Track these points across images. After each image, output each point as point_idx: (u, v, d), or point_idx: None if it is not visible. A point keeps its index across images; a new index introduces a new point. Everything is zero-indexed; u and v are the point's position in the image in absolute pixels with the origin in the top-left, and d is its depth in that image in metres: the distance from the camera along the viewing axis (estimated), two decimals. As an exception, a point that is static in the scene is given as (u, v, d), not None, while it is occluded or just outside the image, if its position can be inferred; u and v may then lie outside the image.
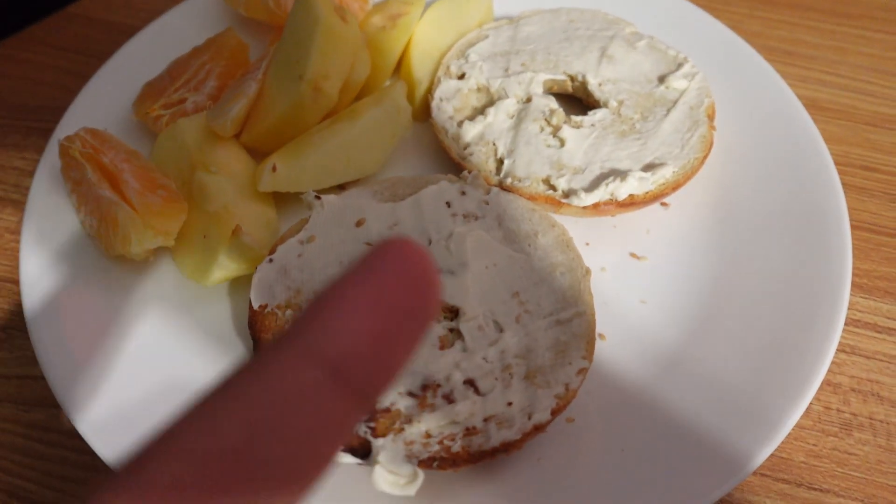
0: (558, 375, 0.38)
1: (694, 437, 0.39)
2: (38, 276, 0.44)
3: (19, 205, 0.52)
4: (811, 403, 0.43)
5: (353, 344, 0.17)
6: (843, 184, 0.53)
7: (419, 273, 0.18)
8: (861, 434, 0.43)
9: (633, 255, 0.48)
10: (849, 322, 0.47)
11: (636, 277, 0.47)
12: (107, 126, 0.51)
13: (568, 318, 0.40)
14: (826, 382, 0.45)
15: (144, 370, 0.42)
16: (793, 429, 0.39)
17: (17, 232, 0.51)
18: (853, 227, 0.51)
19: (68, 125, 0.51)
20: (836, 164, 0.54)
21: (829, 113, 0.58)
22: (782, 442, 0.39)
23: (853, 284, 0.48)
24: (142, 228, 0.43)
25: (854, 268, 0.49)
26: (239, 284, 0.46)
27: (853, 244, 0.49)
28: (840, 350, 0.46)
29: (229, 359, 0.43)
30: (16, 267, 0.49)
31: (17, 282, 0.48)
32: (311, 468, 0.17)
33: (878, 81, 0.60)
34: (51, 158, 0.49)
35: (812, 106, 0.58)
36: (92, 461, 0.41)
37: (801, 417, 0.42)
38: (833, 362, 0.45)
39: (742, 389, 0.40)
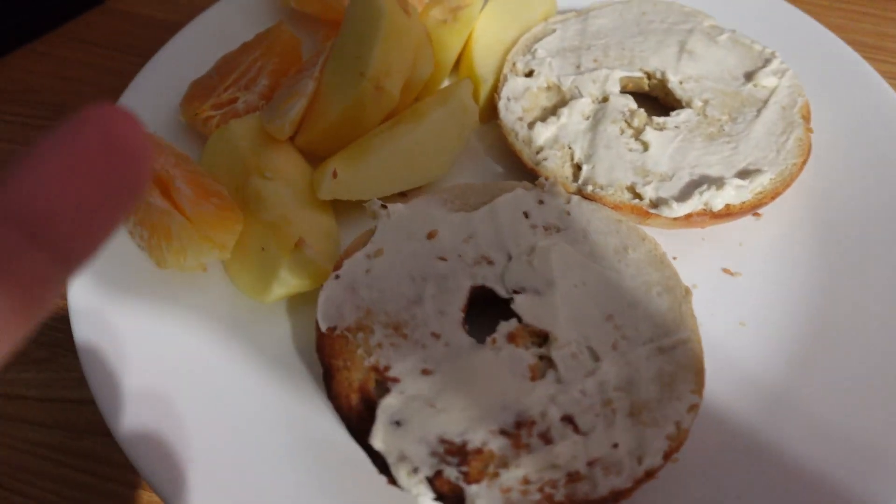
0: (667, 412, 0.34)
1: (814, 484, 0.35)
2: (85, 292, 0.41)
3: (60, 212, 0.49)
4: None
5: (50, 205, 0.17)
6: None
7: (125, 139, 0.18)
8: None
9: (726, 270, 0.44)
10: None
11: (732, 296, 0.43)
12: (153, 128, 0.48)
13: (671, 345, 0.36)
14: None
15: (198, 393, 0.38)
16: None
17: (58, 242, 0.47)
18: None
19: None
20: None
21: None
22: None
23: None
24: (197, 240, 0.39)
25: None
26: (297, 300, 0.42)
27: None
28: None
29: (290, 382, 0.39)
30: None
31: (61, 296, 0.45)
32: (8, 328, 0.16)
33: (977, 78, 0.55)
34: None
35: (905, 104, 0.54)
36: (148, 497, 0.38)
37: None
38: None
39: (865, 429, 0.36)
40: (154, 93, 0.50)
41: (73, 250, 0.17)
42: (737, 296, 0.43)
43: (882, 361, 0.38)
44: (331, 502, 0.35)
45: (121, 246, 0.43)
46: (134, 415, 0.37)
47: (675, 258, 0.45)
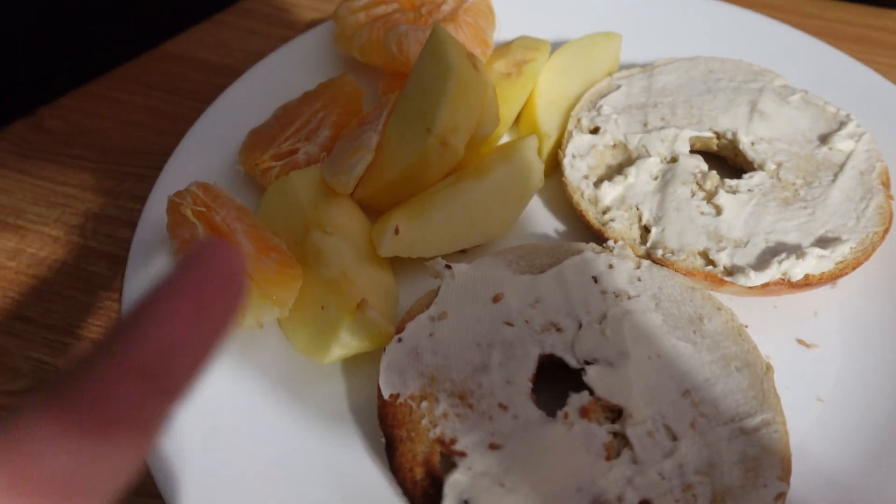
0: (751, 500, 0.32)
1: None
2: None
3: (115, 258, 0.48)
4: None
5: (172, 352, 0.18)
6: None
7: (235, 277, 0.19)
8: None
9: (800, 341, 0.42)
10: None
11: (808, 369, 0.41)
12: (211, 177, 0.47)
13: (754, 427, 0.34)
14: None
15: (252, 456, 0.37)
16: None
17: (110, 289, 0.47)
18: None
19: (171, 174, 0.47)
20: None
21: None
22: None
23: None
24: (259, 298, 0.38)
25: None
26: (353, 360, 0.41)
27: None
28: None
29: (345, 446, 0.38)
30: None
31: (110, 346, 0.44)
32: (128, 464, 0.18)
33: None
34: (154, 210, 0.45)
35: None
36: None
37: None
38: None
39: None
40: (212, 140, 0.50)
41: (183, 385, 0.19)
42: (814, 370, 0.41)
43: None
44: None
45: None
46: (186, 478, 0.36)
47: (746, 326, 0.42)
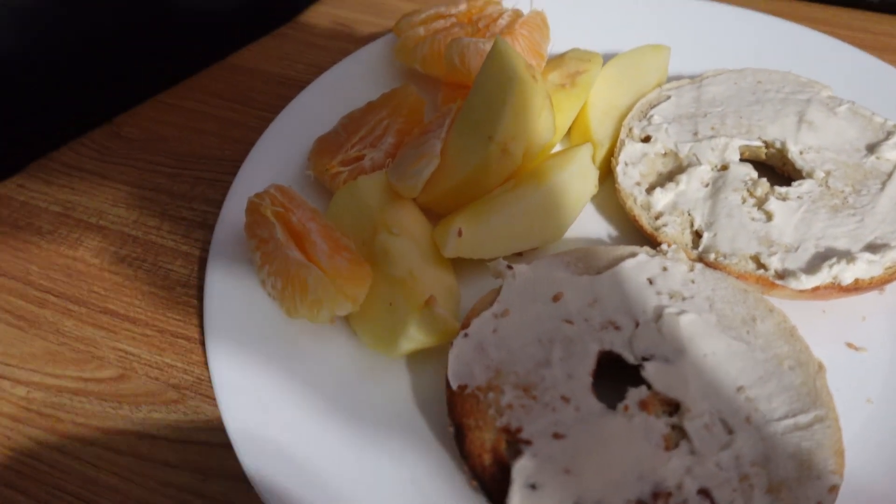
0: (807, 491, 0.34)
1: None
2: (224, 339, 0.43)
3: (189, 257, 0.51)
4: None
5: None
6: None
7: None
8: None
9: (849, 345, 0.44)
10: None
11: (857, 372, 0.42)
12: (282, 181, 0.50)
13: (808, 422, 0.36)
14: None
15: (326, 442, 0.39)
16: None
17: (188, 285, 0.50)
18: None
19: (245, 179, 0.50)
20: None
21: None
22: None
23: None
24: (333, 293, 0.41)
25: None
26: (416, 356, 0.43)
27: None
28: None
29: (412, 435, 0.40)
30: (188, 321, 0.48)
31: (188, 338, 0.47)
32: None
33: None
34: (231, 212, 0.48)
35: None
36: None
37: None
38: None
39: None
40: (283, 147, 0.53)
41: None
42: (863, 372, 0.42)
43: None
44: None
45: (248, 294, 0.45)
46: (265, 460, 0.38)
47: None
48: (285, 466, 0.38)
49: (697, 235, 0.46)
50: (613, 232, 0.50)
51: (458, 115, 0.48)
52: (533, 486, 0.34)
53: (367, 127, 0.51)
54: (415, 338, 0.41)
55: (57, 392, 0.45)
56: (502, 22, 0.54)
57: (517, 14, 0.55)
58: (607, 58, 0.57)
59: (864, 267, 0.42)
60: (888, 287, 0.46)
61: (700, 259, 0.45)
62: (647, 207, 0.48)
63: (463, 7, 0.57)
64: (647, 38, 0.58)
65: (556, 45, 0.58)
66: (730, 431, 0.36)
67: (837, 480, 0.34)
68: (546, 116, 0.49)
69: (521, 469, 0.34)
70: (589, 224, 0.50)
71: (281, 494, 0.37)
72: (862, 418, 0.40)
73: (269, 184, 0.46)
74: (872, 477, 0.38)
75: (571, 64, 0.54)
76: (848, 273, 0.42)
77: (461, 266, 0.47)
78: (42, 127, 0.60)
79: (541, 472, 0.34)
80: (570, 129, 0.55)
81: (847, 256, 0.42)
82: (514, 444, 0.36)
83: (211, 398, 0.43)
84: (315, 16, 0.71)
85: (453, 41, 0.52)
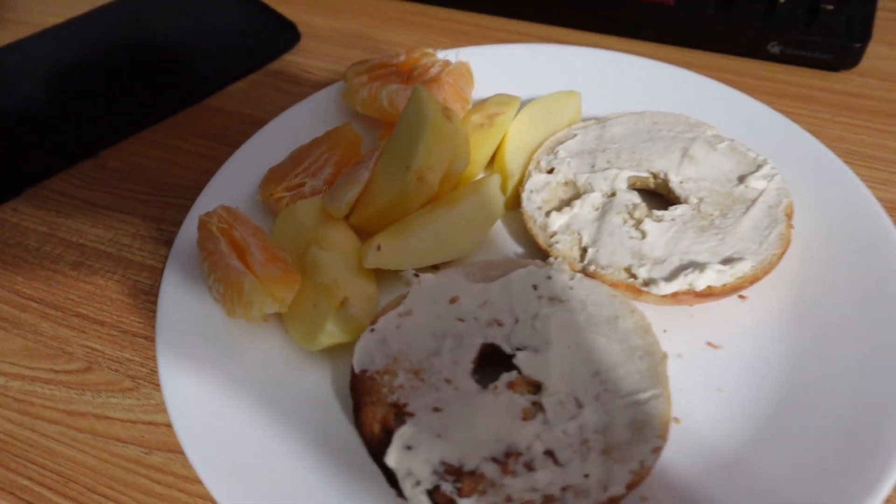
0: (634, 452, 0.40)
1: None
2: (171, 335, 0.50)
3: (154, 270, 0.59)
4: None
5: None
6: (928, 286, 0.53)
7: None
8: (947, 539, 0.42)
9: (710, 343, 0.50)
10: (933, 424, 0.47)
11: (713, 365, 0.49)
12: (235, 205, 0.58)
13: (646, 399, 0.43)
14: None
15: (258, 420, 0.47)
16: None
17: (150, 293, 0.58)
18: (938, 330, 0.51)
19: (203, 203, 0.59)
20: (920, 266, 0.55)
21: (912, 216, 0.59)
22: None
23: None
24: (263, 295, 0.48)
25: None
26: (338, 351, 0.50)
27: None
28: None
29: (329, 411, 0.47)
30: (147, 324, 0.55)
31: (146, 337, 0.55)
32: None
33: (964, 187, 0.61)
34: (188, 230, 0.56)
35: (894, 209, 0.60)
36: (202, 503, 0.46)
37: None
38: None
39: (812, 485, 0.41)
40: (239, 176, 0.61)
41: None
42: (718, 366, 0.49)
43: (831, 432, 0.44)
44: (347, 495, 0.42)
45: (199, 299, 0.53)
46: (201, 436, 0.45)
47: (665, 331, 0.51)
48: (217, 442, 0.45)
49: (584, 251, 0.53)
50: (518, 249, 0.58)
51: (385, 149, 0.56)
52: (409, 447, 0.41)
53: (311, 159, 0.60)
54: (332, 333, 0.49)
55: (31, 381, 0.53)
56: (433, 71, 0.63)
57: (446, 64, 0.63)
58: (527, 102, 0.65)
59: (714, 276, 0.49)
60: (751, 297, 0.53)
61: (583, 270, 0.52)
62: (545, 228, 0.55)
63: (403, 58, 0.66)
64: (564, 86, 0.66)
65: (484, 91, 0.66)
66: (580, 406, 0.43)
67: (660, 444, 0.41)
68: (460, 151, 0.57)
69: (402, 434, 0.41)
70: (499, 243, 0.58)
71: (211, 465, 0.44)
72: (710, 402, 0.47)
73: (219, 204, 0.54)
74: (701, 447, 0.45)
75: (492, 107, 0.63)
76: (701, 280, 0.49)
77: (385, 276, 0.55)
78: (37, 160, 0.69)
79: (417, 437, 0.41)
80: (491, 162, 0.63)
81: (700, 267, 0.50)
82: (401, 416, 0.43)
83: (160, 387, 0.51)
84: (284, 64, 0.80)
85: (385, 87, 0.60)
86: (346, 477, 0.44)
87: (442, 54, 0.67)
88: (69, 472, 0.48)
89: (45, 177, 0.69)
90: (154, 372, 0.52)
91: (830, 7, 0.70)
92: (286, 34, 0.83)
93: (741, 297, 0.53)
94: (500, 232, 0.59)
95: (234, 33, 0.83)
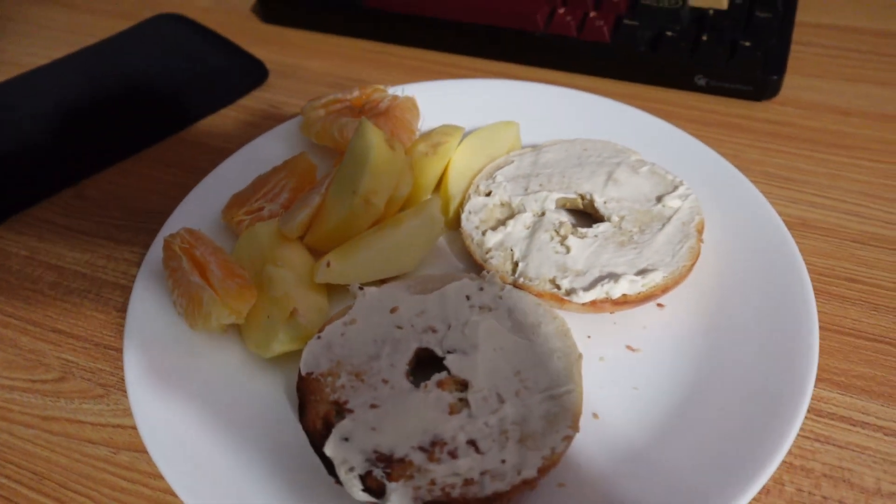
0: (547, 441, 0.45)
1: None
2: (137, 346, 0.55)
3: (126, 288, 0.64)
4: (784, 485, 0.49)
5: None
6: (828, 293, 0.60)
7: None
8: (830, 515, 0.47)
9: (629, 347, 0.56)
10: (825, 415, 0.53)
11: (631, 367, 0.54)
12: (200, 227, 0.64)
13: (560, 394, 0.48)
14: (801, 468, 0.50)
15: (215, 421, 0.51)
16: None
17: (122, 310, 0.63)
18: (835, 332, 0.57)
19: (171, 226, 0.64)
20: (822, 275, 0.61)
21: (818, 231, 0.65)
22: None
23: (830, 382, 0.54)
24: (220, 307, 0.53)
25: (833, 367, 0.55)
26: (290, 357, 0.55)
27: (834, 347, 0.56)
28: (815, 440, 0.51)
29: (280, 412, 0.52)
30: (118, 337, 0.60)
31: (117, 349, 0.60)
32: None
33: (867, 204, 0.67)
34: (155, 252, 0.61)
35: (803, 224, 0.66)
36: (164, 497, 0.50)
37: (774, 496, 0.48)
38: (808, 450, 0.51)
39: (710, 468, 0.47)
40: (205, 202, 0.67)
41: None
42: (635, 367, 0.54)
43: (729, 420, 0.49)
44: (294, 492, 0.47)
45: (164, 313, 0.58)
46: (165, 436, 0.50)
47: (589, 336, 0.56)
48: (178, 441, 0.50)
49: (515, 265, 0.59)
50: (459, 265, 0.63)
51: (335, 175, 0.62)
52: (346, 439, 0.46)
53: (270, 185, 0.65)
54: (282, 341, 0.54)
55: (10, 391, 0.57)
56: (382, 105, 0.69)
57: (395, 98, 0.70)
58: (471, 132, 0.71)
59: (628, 285, 0.55)
60: (668, 305, 0.58)
61: (514, 283, 0.58)
62: (481, 245, 0.61)
63: (356, 93, 0.72)
64: (505, 117, 0.73)
65: (432, 122, 0.72)
66: (501, 401, 0.48)
67: (571, 433, 0.46)
68: (404, 176, 0.63)
69: (340, 427, 0.46)
70: (440, 259, 0.64)
71: (173, 462, 0.49)
72: (627, 400, 0.52)
73: (182, 227, 0.59)
74: (618, 439, 0.50)
75: (437, 136, 0.69)
76: (616, 290, 0.55)
77: (335, 291, 0.60)
78: (21, 190, 0.74)
79: (353, 430, 0.46)
80: (438, 186, 0.69)
81: (616, 278, 0.55)
82: (341, 412, 0.48)
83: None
84: (252, 100, 0.86)
85: (337, 120, 0.66)
86: (293, 468, 0.49)
87: (392, 90, 0.73)
88: (43, 470, 0.52)
89: (28, 205, 0.74)
90: (123, 381, 0.57)
91: (748, 43, 0.76)
92: (255, 72, 0.89)
93: (659, 305, 0.58)
94: (444, 249, 0.64)
95: (206, 72, 0.89)
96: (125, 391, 0.56)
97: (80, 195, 0.75)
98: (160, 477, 0.51)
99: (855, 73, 0.83)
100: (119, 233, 0.70)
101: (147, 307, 0.58)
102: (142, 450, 0.53)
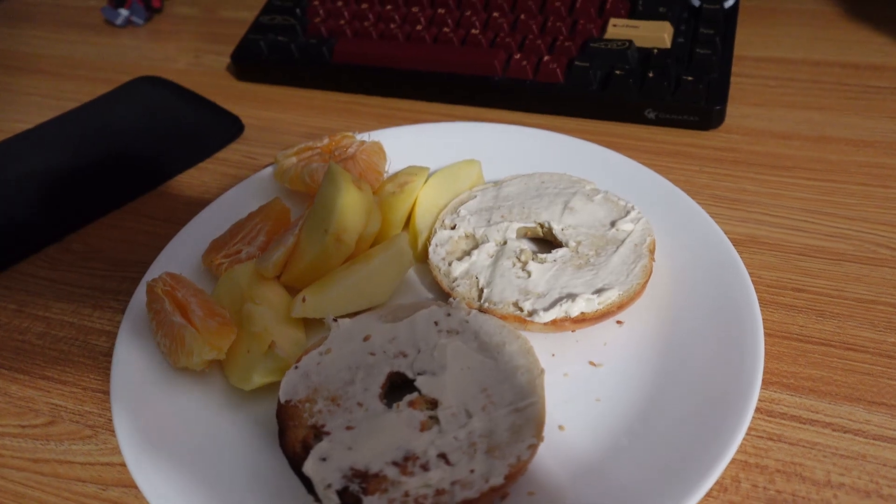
0: (513, 450, 0.48)
1: None
2: (123, 387, 0.58)
3: (111, 334, 0.67)
4: (740, 482, 0.52)
5: None
6: (776, 303, 0.64)
7: None
8: (784, 508, 0.50)
9: (591, 362, 0.59)
10: (775, 414, 0.56)
11: (593, 380, 0.58)
12: (182, 272, 0.67)
13: (524, 406, 0.51)
14: (755, 465, 0.53)
15: (200, 452, 0.54)
16: (722, 503, 0.50)
17: (108, 355, 0.65)
18: (783, 338, 0.61)
19: (153, 273, 0.67)
20: (771, 287, 0.65)
21: (765, 246, 0.69)
22: (704, 508, 0.48)
23: (780, 384, 0.58)
24: (202, 344, 0.56)
25: (783, 371, 0.59)
26: (269, 389, 0.58)
27: (783, 353, 0.60)
28: (767, 438, 0.54)
29: (262, 440, 0.55)
30: (105, 380, 0.63)
31: (104, 392, 0.62)
32: None
33: (808, 219, 0.72)
34: (139, 297, 0.64)
35: (751, 241, 0.70)
36: (152, 527, 0.52)
37: (731, 493, 0.51)
38: (761, 448, 0.54)
39: (667, 468, 0.50)
40: (186, 248, 0.70)
41: None
42: (597, 381, 0.58)
43: (684, 424, 0.52)
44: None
45: (148, 354, 0.61)
46: (153, 469, 0.52)
47: (553, 355, 0.60)
48: (166, 473, 0.53)
49: (481, 292, 0.62)
50: (428, 295, 0.67)
51: (307, 216, 0.66)
52: (323, 459, 0.49)
53: (246, 230, 0.69)
54: (262, 373, 0.57)
55: (1, 437, 0.60)
56: (350, 150, 0.73)
57: (362, 143, 0.74)
58: (435, 171, 0.75)
59: (585, 304, 0.58)
60: (627, 322, 0.62)
61: (479, 308, 0.61)
62: (448, 275, 0.64)
63: (326, 141, 0.76)
64: (467, 156, 0.77)
65: (399, 164, 0.77)
66: (469, 416, 0.51)
67: (535, 442, 0.49)
68: (373, 215, 0.67)
69: (318, 449, 0.49)
70: (410, 291, 0.67)
71: (161, 495, 0.51)
72: (591, 411, 0.55)
73: (164, 271, 0.62)
74: (583, 448, 0.53)
75: (403, 177, 0.73)
76: (575, 308, 0.58)
77: (311, 325, 0.64)
78: (8, 247, 0.78)
79: (330, 450, 0.49)
80: (407, 222, 0.73)
81: (573, 297, 0.59)
82: (319, 435, 0.51)
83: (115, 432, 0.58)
84: (229, 152, 0.90)
85: (306, 166, 0.70)
86: (274, 491, 0.51)
87: (359, 136, 0.77)
88: (34, 511, 0.54)
89: (15, 262, 0.77)
90: (111, 421, 0.59)
91: (690, 78, 0.82)
92: (231, 127, 0.93)
93: (618, 322, 0.62)
94: (414, 282, 0.68)
95: (185, 128, 0.93)
96: (113, 431, 0.59)
97: (67, 249, 0.78)
98: (148, 509, 0.53)
99: (794, 100, 0.88)
100: (104, 282, 0.73)
101: (132, 349, 0.61)
102: (130, 485, 0.55)
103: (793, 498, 0.51)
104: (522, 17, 0.94)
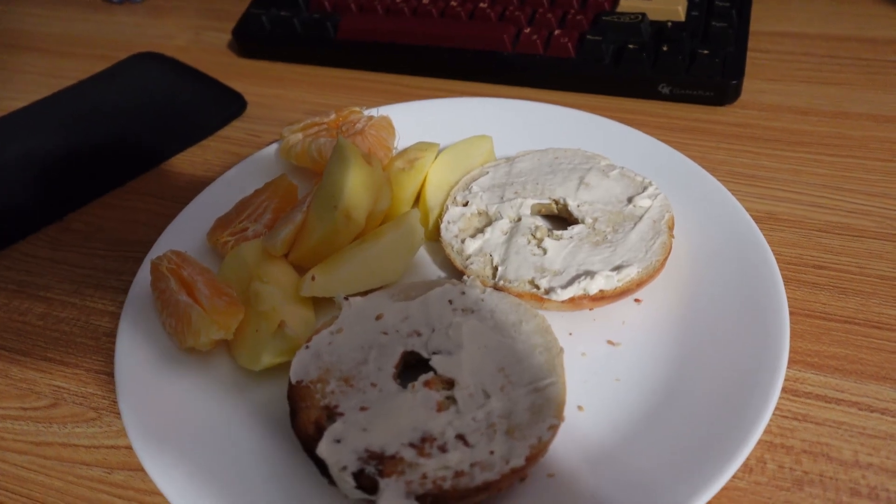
0: (533, 431, 0.47)
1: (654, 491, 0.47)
2: (129, 369, 0.56)
3: (114, 315, 0.65)
4: (766, 463, 0.50)
5: None
6: (798, 281, 0.62)
7: None
8: (811, 489, 0.49)
9: (609, 342, 0.57)
10: (801, 394, 0.54)
11: (612, 360, 0.56)
12: (186, 251, 0.65)
13: (544, 386, 0.49)
14: (781, 445, 0.51)
15: (208, 434, 0.52)
16: (748, 484, 0.48)
17: (111, 335, 0.63)
18: (806, 316, 0.59)
19: (157, 251, 0.65)
20: (792, 264, 0.63)
21: (785, 223, 0.68)
22: (740, 495, 0.47)
23: (804, 363, 0.56)
24: (209, 324, 0.54)
25: (806, 349, 0.57)
26: (279, 370, 0.56)
27: (806, 331, 0.58)
28: (793, 418, 0.53)
29: (271, 422, 0.53)
30: (108, 362, 0.61)
31: (108, 373, 0.60)
32: None
33: (828, 195, 0.70)
34: (143, 277, 0.62)
35: (770, 218, 0.68)
36: (160, 511, 0.51)
37: (757, 474, 0.50)
38: (787, 428, 0.52)
39: (690, 449, 0.48)
40: (190, 227, 0.68)
41: None
42: (616, 360, 0.56)
43: (708, 405, 0.51)
44: (289, 497, 0.48)
45: (153, 335, 0.59)
46: (160, 452, 0.51)
47: (570, 333, 0.58)
48: (173, 456, 0.51)
49: (495, 269, 0.61)
50: (440, 273, 0.65)
51: (315, 193, 0.64)
52: (338, 441, 0.47)
53: (252, 207, 0.67)
54: (272, 353, 0.55)
55: (2, 419, 0.58)
56: (359, 126, 0.71)
57: (370, 119, 0.72)
58: (446, 147, 0.73)
59: (604, 281, 0.57)
60: (645, 300, 0.60)
61: (494, 286, 0.59)
62: (461, 252, 0.63)
63: (333, 116, 0.74)
64: (479, 131, 0.75)
65: (408, 140, 0.75)
66: (487, 397, 0.49)
67: (556, 422, 0.47)
68: (383, 191, 0.65)
69: (332, 430, 0.47)
70: (422, 269, 0.65)
71: (169, 478, 0.50)
72: (609, 391, 0.54)
73: (169, 249, 0.60)
74: (602, 429, 0.51)
75: (413, 153, 0.71)
76: (593, 286, 0.56)
77: (321, 304, 0.62)
78: (7, 226, 0.76)
79: (345, 431, 0.47)
80: (417, 199, 0.71)
81: (592, 274, 0.57)
82: (332, 416, 0.49)
83: (120, 414, 0.56)
84: (232, 130, 0.88)
85: (314, 140, 0.68)
86: (286, 474, 0.50)
87: (367, 112, 0.75)
88: (38, 495, 0.53)
89: (15, 241, 0.75)
90: (114, 403, 0.58)
91: (706, 52, 0.80)
92: (234, 104, 0.91)
93: (637, 300, 0.60)
94: (425, 260, 0.66)
95: (186, 105, 0.91)
96: (118, 413, 0.57)
97: (67, 228, 0.76)
98: (156, 493, 0.52)
99: (811, 75, 0.86)
100: (105, 262, 0.71)
101: (136, 329, 0.59)
102: (136, 468, 0.53)
103: (820, 478, 0.49)
104: (532, -10, 0.92)
